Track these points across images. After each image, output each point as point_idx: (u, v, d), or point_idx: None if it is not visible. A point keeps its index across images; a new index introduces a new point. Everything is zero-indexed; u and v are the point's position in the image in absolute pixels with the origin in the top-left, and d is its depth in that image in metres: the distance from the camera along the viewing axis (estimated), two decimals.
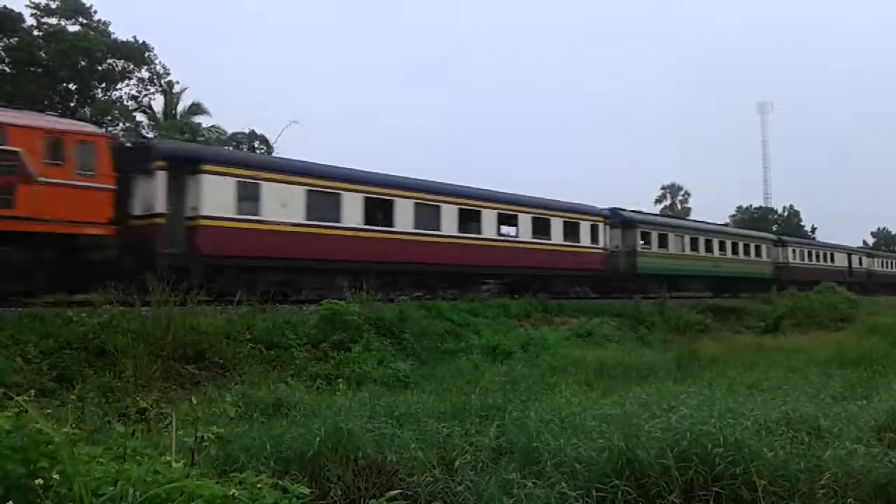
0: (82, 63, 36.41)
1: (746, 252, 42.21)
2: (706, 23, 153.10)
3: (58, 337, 11.82)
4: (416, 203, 22.71)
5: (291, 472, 5.63)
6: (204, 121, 39.64)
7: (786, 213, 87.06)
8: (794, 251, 47.75)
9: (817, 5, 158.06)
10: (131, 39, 38.88)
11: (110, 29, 38.75)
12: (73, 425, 4.18)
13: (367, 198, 21.44)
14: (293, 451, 6.23)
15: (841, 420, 7.24)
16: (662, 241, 34.72)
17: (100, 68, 37.69)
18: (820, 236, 73.57)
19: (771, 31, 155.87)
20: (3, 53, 35.21)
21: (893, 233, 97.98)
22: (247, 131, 39.59)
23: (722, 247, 39.83)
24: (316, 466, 6.02)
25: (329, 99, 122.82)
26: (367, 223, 21.39)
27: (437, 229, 23.44)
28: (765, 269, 43.64)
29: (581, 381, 11.49)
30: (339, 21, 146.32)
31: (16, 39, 34.97)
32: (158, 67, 39.82)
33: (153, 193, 17.03)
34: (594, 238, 30.11)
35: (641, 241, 33.22)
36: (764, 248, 44.31)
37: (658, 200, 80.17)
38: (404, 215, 22.35)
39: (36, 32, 36.12)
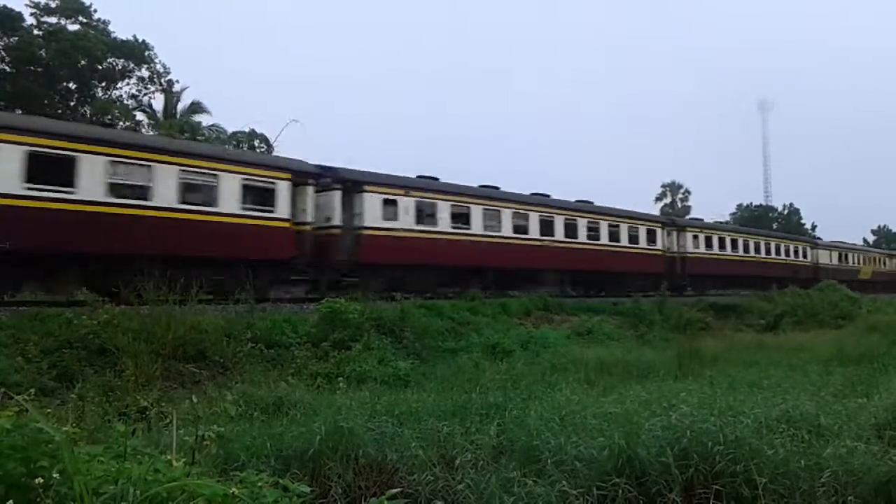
0: (82, 62, 36.41)
1: None
2: (707, 23, 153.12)
3: (58, 336, 11.82)
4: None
5: (292, 471, 5.62)
6: (204, 120, 39.68)
7: (786, 212, 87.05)
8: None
9: (818, 5, 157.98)
10: (131, 38, 38.91)
11: (110, 28, 38.82)
12: (74, 424, 4.19)
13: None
14: (294, 450, 6.22)
15: (841, 418, 7.23)
16: None
17: (100, 67, 37.69)
18: (820, 234, 73.54)
19: (771, 29, 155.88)
20: (3, 52, 35.20)
21: (894, 230, 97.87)
22: (247, 130, 39.61)
23: None
24: (316, 465, 6.01)
25: (330, 98, 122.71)
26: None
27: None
28: None
29: (581, 380, 11.49)
30: (342, 20, 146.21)
31: (16, 39, 34.96)
32: (158, 66, 39.87)
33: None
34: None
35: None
36: None
37: (658, 198, 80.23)
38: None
39: (36, 32, 36.10)
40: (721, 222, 49.58)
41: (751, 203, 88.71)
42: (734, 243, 41.14)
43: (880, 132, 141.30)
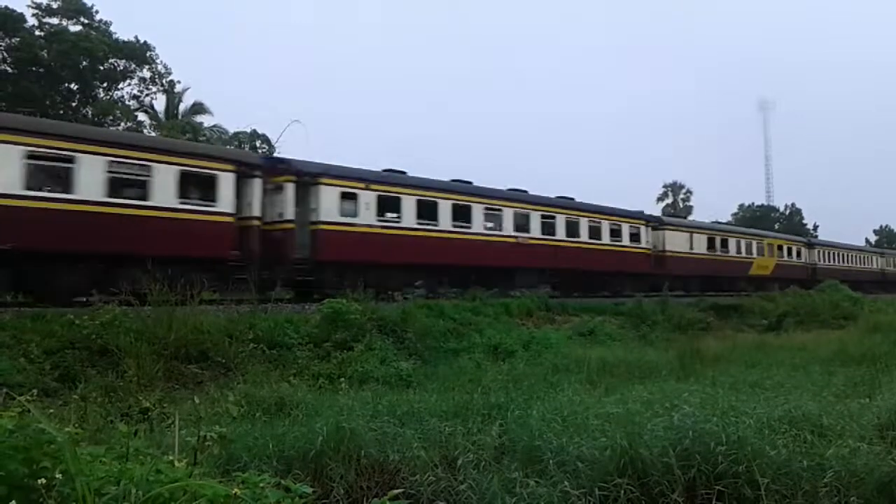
0: (84, 63, 36.47)
1: None
2: (707, 22, 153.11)
3: (61, 337, 11.83)
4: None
5: (294, 472, 5.63)
6: (205, 120, 39.77)
7: (787, 212, 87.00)
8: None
9: (818, 5, 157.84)
10: (133, 39, 38.98)
11: (112, 29, 38.91)
12: (76, 425, 4.18)
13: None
14: (296, 451, 6.24)
15: (843, 418, 7.23)
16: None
17: (101, 68, 37.75)
18: (822, 234, 73.41)
19: (773, 28, 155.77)
20: (5, 53, 35.27)
21: None
22: (248, 130, 39.67)
23: None
24: (318, 465, 6.03)
25: (334, 98, 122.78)
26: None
27: None
28: None
29: (583, 380, 11.48)
30: (352, 21, 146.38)
31: (17, 40, 35.02)
32: (160, 67, 39.95)
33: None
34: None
35: None
36: None
37: (660, 199, 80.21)
38: None
39: (38, 32, 36.17)
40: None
41: (752, 203, 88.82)
42: (462, 212, 24.38)
43: (882, 132, 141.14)
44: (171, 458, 3.25)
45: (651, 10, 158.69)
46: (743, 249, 41.01)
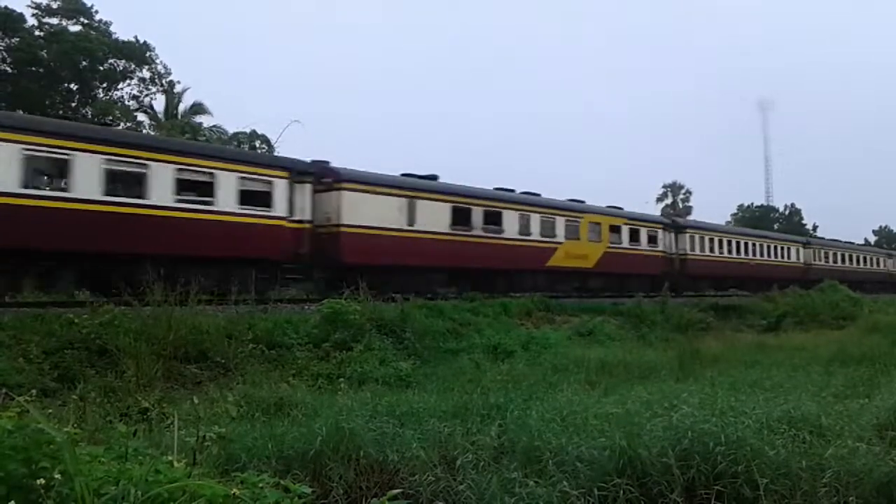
0: (83, 63, 36.49)
1: None
2: (707, 22, 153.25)
3: (60, 337, 11.82)
4: None
5: (293, 472, 5.63)
6: (205, 120, 39.72)
7: (787, 212, 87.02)
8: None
9: (819, 4, 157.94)
10: (132, 39, 39.01)
11: (111, 29, 38.95)
12: (75, 425, 4.19)
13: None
14: (295, 451, 6.23)
15: (843, 418, 7.22)
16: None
17: (101, 68, 37.78)
18: (821, 234, 73.38)
19: (772, 29, 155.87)
20: (4, 54, 35.29)
21: (895, 231, 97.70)
22: (248, 131, 39.64)
23: None
24: (318, 466, 6.02)
25: (332, 98, 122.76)
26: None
27: None
28: None
29: (583, 380, 11.48)
30: (352, 19, 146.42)
31: (17, 40, 35.05)
32: (159, 67, 39.98)
33: None
34: None
35: None
36: None
37: (660, 199, 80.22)
38: None
39: (37, 33, 36.20)
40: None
41: (752, 203, 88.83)
42: None
43: (882, 132, 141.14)
44: (170, 458, 3.26)
45: (650, 10, 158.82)
46: (535, 229, 27.50)
